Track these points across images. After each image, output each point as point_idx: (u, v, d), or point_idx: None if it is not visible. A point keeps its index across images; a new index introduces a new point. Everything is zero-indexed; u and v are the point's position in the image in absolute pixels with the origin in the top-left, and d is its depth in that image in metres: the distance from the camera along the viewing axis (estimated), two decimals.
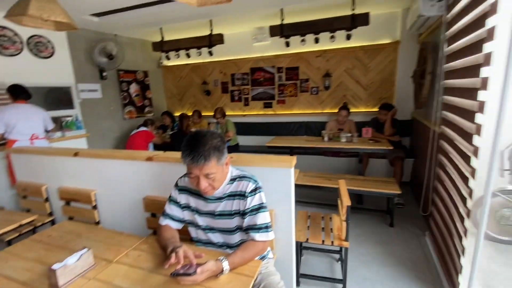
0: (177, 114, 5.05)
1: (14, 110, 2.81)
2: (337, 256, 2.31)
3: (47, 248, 1.24)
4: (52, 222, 2.29)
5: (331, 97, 4.48)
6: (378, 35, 3.97)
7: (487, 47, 1.40)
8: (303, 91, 4.62)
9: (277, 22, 3.62)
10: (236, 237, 1.23)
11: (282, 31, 3.54)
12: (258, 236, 1.12)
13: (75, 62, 3.92)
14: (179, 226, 1.30)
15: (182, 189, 1.27)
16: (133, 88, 4.87)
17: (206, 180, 1.09)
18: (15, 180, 2.90)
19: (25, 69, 3.38)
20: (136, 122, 4.66)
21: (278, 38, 3.72)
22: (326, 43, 3.74)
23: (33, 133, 2.93)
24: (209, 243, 1.28)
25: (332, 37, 3.51)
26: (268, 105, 4.92)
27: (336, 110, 4.00)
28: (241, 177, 1.20)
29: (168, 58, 4.62)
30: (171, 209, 1.28)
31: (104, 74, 4.28)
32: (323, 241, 1.87)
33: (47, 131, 3.14)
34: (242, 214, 1.17)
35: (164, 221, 1.27)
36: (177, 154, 1.74)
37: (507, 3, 1.26)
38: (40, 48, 3.50)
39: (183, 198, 1.27)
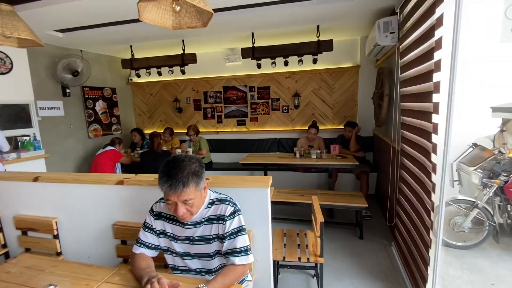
0: (147, 131, 4.90)
1: None
2: (312, 272, 2.36)
3: (7, 287, 1.12)
4: (6, 255, 2.06)
5: (300, 115, 4.70)
6: (341, 59, 4.32)
7: (436, 76, 1.62)
8: (275, 109, 4.79)
9: (249, 44, 3.78)
10: (215, 262, 1.22)
11: (254, 53, 3.69)
12: (238, 260, 1.12)
13: (35, 79, 3.67)
14: (154, 254, 1.25)
15: (157, 215, 1.24)
16: (100, 106, 4.65)
17: (184, 206, 1.08)
18: None
19: None
20: (102, 141, 4.42)
21: (250, 60, 3.87)
22: (295, 65, 3.97)
23: None
24: (187, 270, 1.24)
25: (300, 60, 3.74)
26: (241, 123, 4.99)
27: (305, 128, 4.19)
28: (220, 200, 1.21)
29: (138, 75, 4.52)
30: (146, 236, 1.23)
31: (68, 91, 4.05)
32: (299, 258, 1.91)
33: (1, 153, 2.86)
34: (221, 238, 1.17)
35: (138, 249, 1.22)
36: (150, 177, 1.70)
37: (449, 40, 1.48)
38: None
39: (158, 224, 1.24)
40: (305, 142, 4.00)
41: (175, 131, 4.64)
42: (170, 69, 4.20)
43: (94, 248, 1.88)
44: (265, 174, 3.71)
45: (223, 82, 4.93)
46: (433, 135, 1.66)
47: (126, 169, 3.96)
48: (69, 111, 4.17)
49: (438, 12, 1.55)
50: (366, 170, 3.58)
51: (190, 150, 4.04)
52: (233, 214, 1.18)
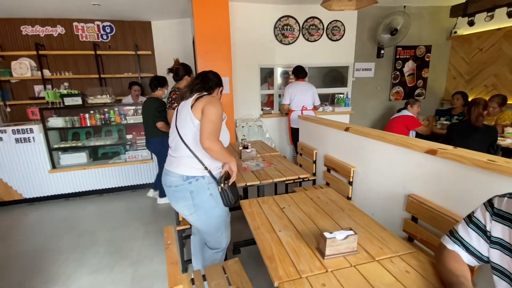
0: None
1: (295, 86, 3.50)
2: None
3: (316, 208, 1.36)
4: (314, 182, 2.69)
5: None
6: None
7: None
8: None
9: None
10: None
11: None
12: None
13: (358, 42, 4.13)
14: (473, 262, 0.86)
15: (500, 216, 0.79)
16: (408, 66, 4.36)
17: None
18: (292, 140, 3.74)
19: (318, 52, 4.06)
20: (400, 105, 4.23)
21: None
22: None
23: (303, 105, 3.50)
24: None
25: None
26: None
27: None
28: None
29: (471, 23, 3.48)
30: (468, 234, 0.86)
31: (382, 52, 4.16)
32: None
33: (314, 106, 3.59)
34: None
35: (451, 245, 0.89)
36: (481, 157, 1.18)
37: None
38: (334, 32, 4.02)
39: (498, 230, 0.79)
40: None
41: (508, 101, 3.22)
42: None
43: (380, 209, 1.83)
44: None
45: None
46: None
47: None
48: (378, 72, 4.34)
49: None
50: None
51: None
52: None
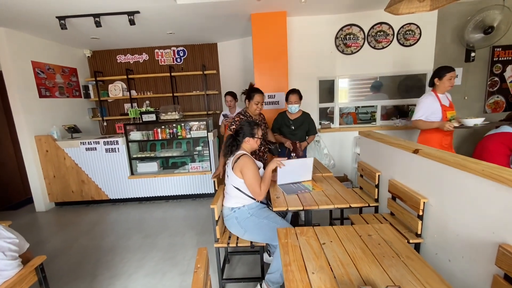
0: None
1: None
2: None
3: (363, 249, 1.15)
4: (376, 209, 2.35)
5: None
6: None
7: None
8: None
9: None
10: None
11: None
12: None
13: (439, 45, 3.54)
14: None
15: None
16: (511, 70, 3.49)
17: None
18: None
19: (387, 60, 3.63)
20: (500, 118, 3.39)
21: None
22: None
23: None
24: None
25: None
26: None
27: None
28: None
29: None
30: None
31: (472, 55, 3.44)
32: None
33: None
34: None
35: None
36: None
37: None
38: (407, 36, 3.54)
39: None
40: None
41: None
42: None
43: (460, 255, 1.44)
44: None
45: None
46: None
47: None
48: (467, 79, 3.60)
49: None
50: None
51: None
52: None
